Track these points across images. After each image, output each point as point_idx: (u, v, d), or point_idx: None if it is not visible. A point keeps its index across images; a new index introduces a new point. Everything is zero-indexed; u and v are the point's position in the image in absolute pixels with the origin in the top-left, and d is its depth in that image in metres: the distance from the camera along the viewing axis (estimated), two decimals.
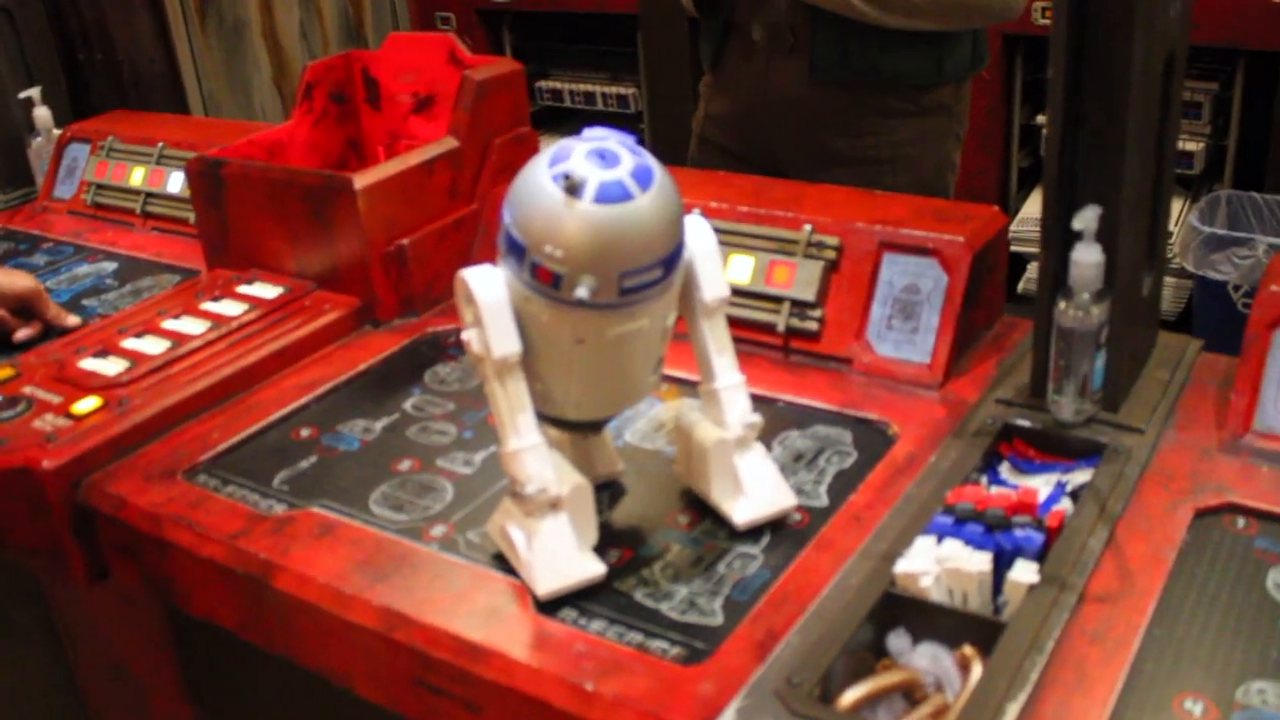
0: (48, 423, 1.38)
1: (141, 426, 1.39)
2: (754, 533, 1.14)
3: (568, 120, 3.98)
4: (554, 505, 1.06)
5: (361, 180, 1.54)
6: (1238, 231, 2.87)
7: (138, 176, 2.10)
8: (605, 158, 1.00)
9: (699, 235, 1.10)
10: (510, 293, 1.05)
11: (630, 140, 1.04)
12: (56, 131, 2.26)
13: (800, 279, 1.42)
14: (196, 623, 1.46)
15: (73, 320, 1.71)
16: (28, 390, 1.46)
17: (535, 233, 1.00)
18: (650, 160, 1.03)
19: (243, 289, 1.65)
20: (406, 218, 1.59)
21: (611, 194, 0.99)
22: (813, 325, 1.41)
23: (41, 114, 2.25)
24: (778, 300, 1.42)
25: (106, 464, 1.35)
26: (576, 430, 1.17)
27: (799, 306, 1.42)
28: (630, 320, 1.04)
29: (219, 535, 1.21)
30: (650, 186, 1.00)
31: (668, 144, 3.62)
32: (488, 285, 1.04)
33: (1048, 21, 2.97)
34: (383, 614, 1.08)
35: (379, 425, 1.38)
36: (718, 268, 1.12)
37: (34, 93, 2.24)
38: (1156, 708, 0.90)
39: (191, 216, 2.00)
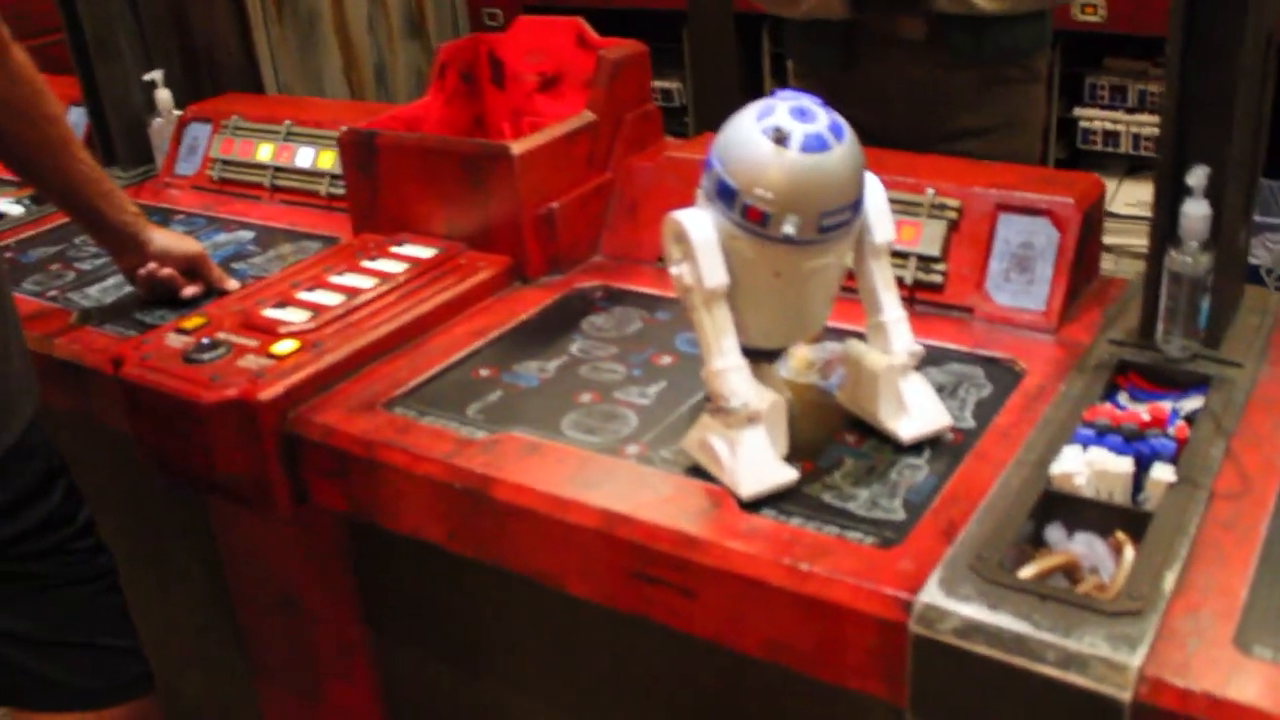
0: (252, 362, 1.53)
1: (337, 366, 1.54)
2: (916, 448, 1.30)
3: None
4: (753, 418, 1.23)
5: (518, 148, 1.70)
6: (1270, 217, 3.05)
7: (265, 152, 2.25)
8: (804, 114, 1.17)
9: (871, 187, 1.27)
10: (717, 232, 1.20)
11: (818, 100, 1.20)
12: (177, 112, 2.40)
13: (925, 236, 1.58)
14: (376, 548, 1.61)
15: (233, 283, 1.86)
16: (222, 335, 1.60)
17: (746, 177, 1.16)
18: (840, 118, 1.19)
19: (397, 249, 1.80)
20: (553, 184, 1.75)
21: (814, 144, 1.15)
22: (937, 278, 1.58)
23: (163, 95, 2.39)
24: (904, 256, 1.59)
25: (309, 399, 1.50)
26: (755, 359, 1.32)
27: (924, 261, 1.58)
28: (823, 255, 1.20)
29: (432, 455, 1.37)
30: (844, 138, 1.17)
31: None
32: (700, 225, 1.20)
33: (1086, 17, 3.15)
34: (601, 515, 1.23)
35: (552, 365, 1.54)
36: (886, 214, 1.28)
37: (157, 75, 2.39)
38: None
39: (321, 189, 2.16)
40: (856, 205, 1.20)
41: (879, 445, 1.31)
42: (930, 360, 1.47)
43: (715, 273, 1.21)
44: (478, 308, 1.70)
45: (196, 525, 1.86)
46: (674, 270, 1.24)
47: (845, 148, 1.17)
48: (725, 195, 1.18)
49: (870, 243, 1.28)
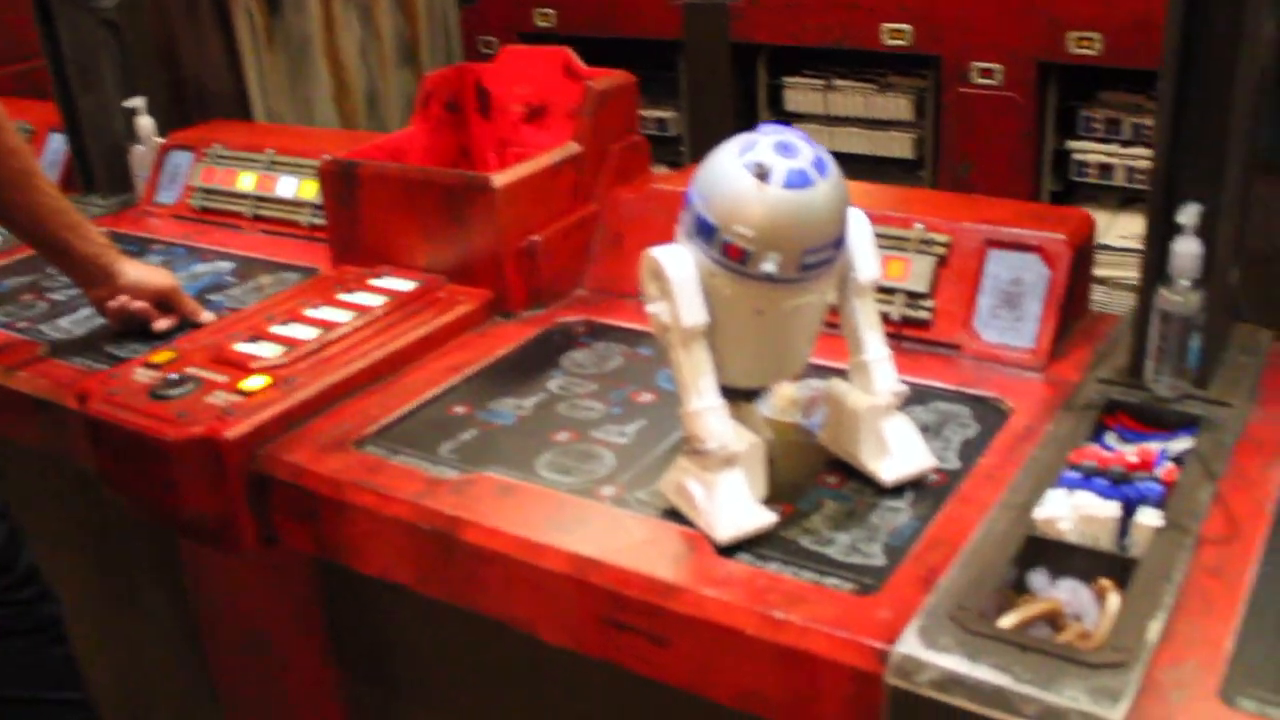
0: (220, 399, 1.50)
1: (308, 403, 1.50)
2: (898, 490, 1.26)
3: None
4: (730, 461, 1.19)
5: (500, 180, 1.67)
6: None
7: (247, 181, 2.22)
8: (788, 149, 1.13)
9: (856, 222, 1.23)
10: (696, 269, 1.17)
11: (803, 135, 1.17)
12: (159, 140, 2.38)
13: (913, 273, 1.55)
14: (346, 588, 1.58)
15: (207, 315, 1.82)
16: (191, 370, 1.57)
17: (726, 214, 1.13)
18: (825, 153, 1.15)
19: (375, 282, 1.77)
20: (536, 216, 1.72)
21: (796, 180, 1.12)
22: (924, 315, 1.54)
23: (144, 123, 2.36)
24: (891, 292, 1.55)
25: (277, 437, 1.47)
26: (734, 398, 1.29)
27: (912, 298, 1.55)
28: (805, 294, 1.17)
29: (402, 496, 1.33)
30: (827, 174, 1.13)
31: None
32: (678, 263, 1.17)
33: (1081, 50, 3.13)
34: (573, 560, 1.19)
35: (529, 403, 1.51)
36: (872, 251, 1.25)
37: (138, 103, 2.36)
38: (1276, 630, 1.03)
39: (301, 219, 2.13)
40: (839, 243, 1.17)
41: (861, 487, 1.28)
42: (915, 399, 1.43)
43: (693, 311, 1.17)
44: (456, 343, 1.66)
45: (166, 562, 1.82)
46: (651, 308, 1.21)
47: (829, 184, 1.13)
48: (704, 232, 1.15)
49: (854, 280, 1.25)
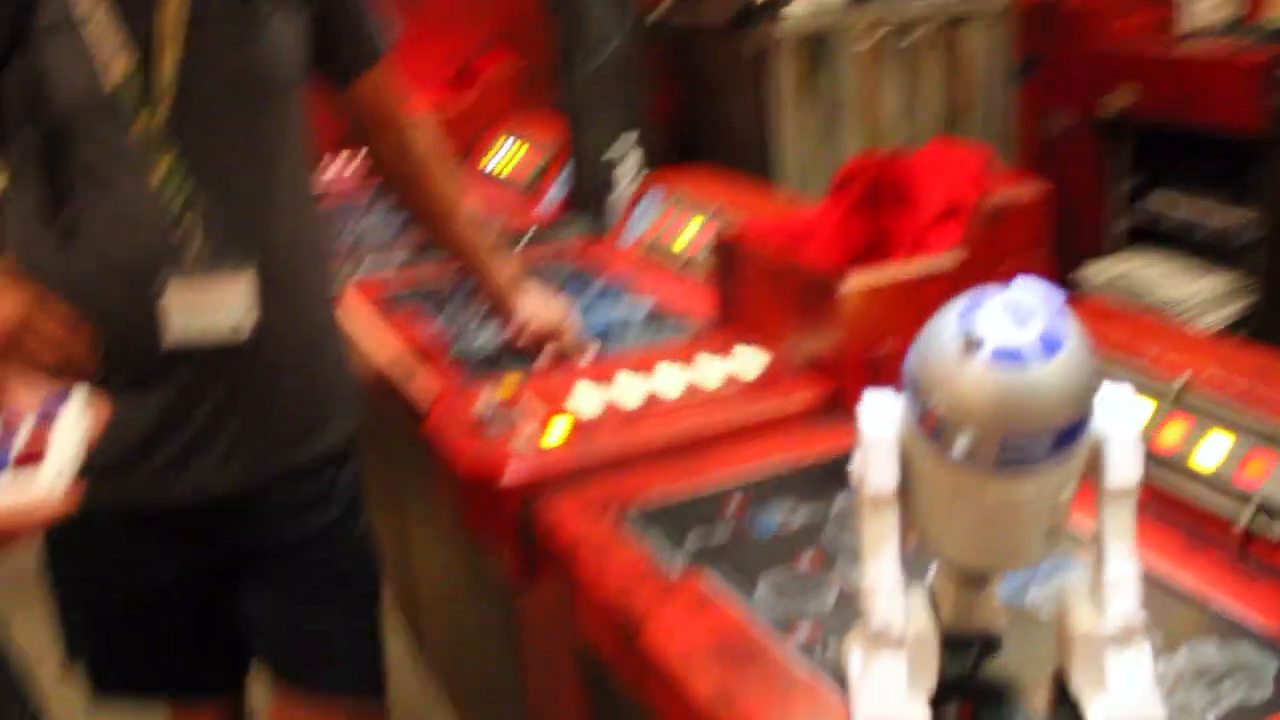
0: (522, 442, 1.57)
1: (597, 462, 1.53)
2: None
3: (1168, 241, 3.79)
4: (896, 644, 1.06)
5: (848, 285, 1.59)
6: None
7: (691, 230, 2.27)
8: (1020, 315, 0.97)
9: (1119, 413, 1.04)
10: (901, 428, 1.05)
11: (1057, 299, 1.00)
12: (638, 179, 2.50)
13: (1277, 478, 1.28)
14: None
15: (588, 355, 1.91)
16: (520, 406, 1.65)
17: (927, 378, 0.99)
18: (1066, 326, 0.97)
19: (734, 355, 1.76)
20: (894, 325, 1.61)
21: (1007, 356, 0.95)
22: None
23: (628, 163, 2.51)
24: (1244, 499, 1.29)
25: (559, 488, 1.51)
26: (964, 577, 1.14)
27: (1266, 511, 1.28)
28: (1013, 489, 0.99)
29: (613, 579, 1.32)
30: (1055, 354, 0.95)
31: None
32: (879, 417, 1.06)
33: None
34: (710, 705, 1.12)
35: (800, 515, 1.42)
36: (1133, 452, 1.04)
37: (626, 143, 2.51)
38: None
39: None
40: (1065, 436, 0.97)
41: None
42: (1220, 632, 1.19)
43: (881, 474, 1.05)
44: (780, 433, 1.60)
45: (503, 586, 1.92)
46: (854, 458, 1.10)
47: (1054, 366, 0.95)
48: (910, 391, 1.03)
49: (1104, 483, 1.05)
